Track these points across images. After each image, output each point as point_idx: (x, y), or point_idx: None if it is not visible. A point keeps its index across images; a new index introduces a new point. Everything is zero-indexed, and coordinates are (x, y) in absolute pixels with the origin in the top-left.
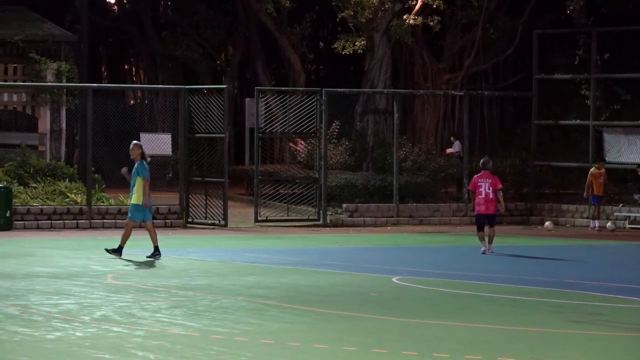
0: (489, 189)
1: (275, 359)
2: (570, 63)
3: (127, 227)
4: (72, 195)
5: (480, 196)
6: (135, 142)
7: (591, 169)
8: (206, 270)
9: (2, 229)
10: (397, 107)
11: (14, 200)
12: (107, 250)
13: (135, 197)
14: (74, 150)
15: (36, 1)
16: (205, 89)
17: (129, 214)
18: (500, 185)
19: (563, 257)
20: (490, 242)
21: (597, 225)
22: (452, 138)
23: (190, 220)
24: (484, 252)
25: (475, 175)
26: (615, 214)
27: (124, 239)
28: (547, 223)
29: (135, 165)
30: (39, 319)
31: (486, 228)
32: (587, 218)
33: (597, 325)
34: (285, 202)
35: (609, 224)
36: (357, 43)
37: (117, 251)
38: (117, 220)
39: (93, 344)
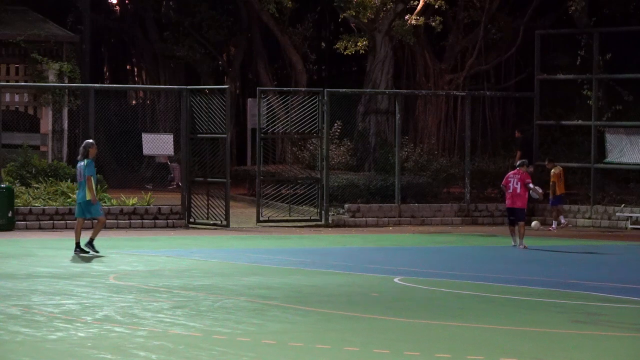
0: (517, 184)
1: (277, 359)
2: (572, 63)
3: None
4: (74, 196)
5: (508, 191)
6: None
7: (555, 170)
8: (208, 270)
9: (4, 229)
10: (399, 108)
11: (16, 200)
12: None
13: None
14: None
15: (38, 1)
16: (208, 89)
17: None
18: (528, 180)
19: (564, 257)
20: (520, 237)
21: (563, 223)
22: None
23: (192, 220)
24: (514, 246)
25: (510, 172)
26: (617, 214)
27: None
28: (534, 222)
29: (85, 162)
30: (41, 319)
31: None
32: (589, 218)
33: (598, 325)
34: (287, 203)
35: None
36: (359, 43)
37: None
38: (118, 221)
39: (95, 344)
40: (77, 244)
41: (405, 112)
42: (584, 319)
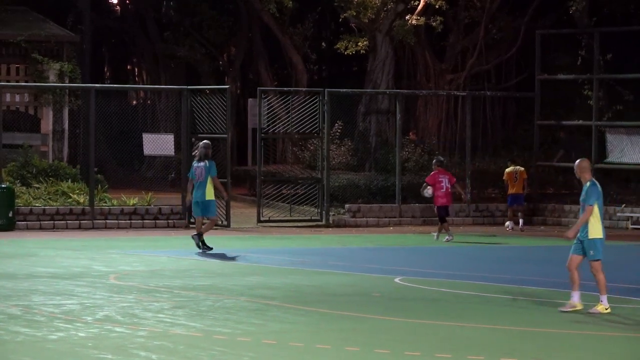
0: (448, 184)
1: (277, 359)
2: (573, 63)
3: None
4: (75, 196)
5: (441, 190)
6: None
7: (508, 169)
8: (208, 270)
9: (5, 229)
10: (400, 108)
11: (16, 200)
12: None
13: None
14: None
15: (38, 1)
16: (208, 89)
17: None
18: (454, 179)
19: (565, 257)
20: (447, 230)
21: (511, 227)
22: (193, 140)
23: (192, 220)
24: (448, 240)
25: (434, 172)
26: (618, 214)
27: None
28: (507, 222)
29: (207, 163)
30: (42, 319)
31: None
32: None
33: (598, 326)
34: (287, 203)
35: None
36: (359, 43)
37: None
38: (119, 221)
39: (95, 344)
40: (202, 242)
41: (405, 112)
42: (585, 319)
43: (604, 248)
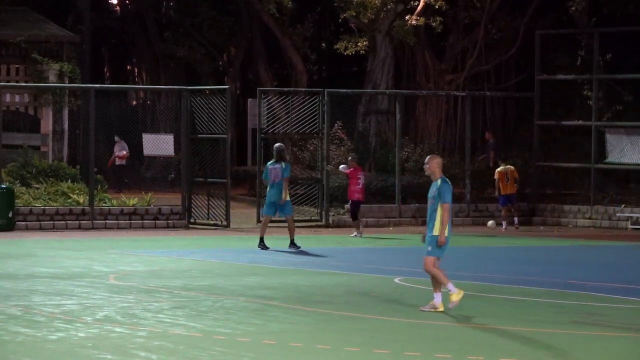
0: (363, 181)
1: (277, 359)
2: (573, 63)
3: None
4: (75, 196)
5: (358, 186)
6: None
7: (499, 169)
8: (208, 270)
9: (5, 229)
10: (399, 108)
11: (16, 200)
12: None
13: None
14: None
15: (38, 2)
16: (208, 89)
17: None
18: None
19: (564, 257)
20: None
21: (504, 227)
22: (116, 137)
23: (192, 220)
24: (357, 235)
25: (353, 168)
26: (618, 214)
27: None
28: (490, 222)
29: (283, 165)
30: (42, 319)
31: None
32: (590, 219)
33: (598, 326)
34: None
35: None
36: (359, 44)
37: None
38: (119, 221)
39: (95, 344)
40: (261, 239)
41: (405, 113)
42: (585, 319)
43: (446, 247)
